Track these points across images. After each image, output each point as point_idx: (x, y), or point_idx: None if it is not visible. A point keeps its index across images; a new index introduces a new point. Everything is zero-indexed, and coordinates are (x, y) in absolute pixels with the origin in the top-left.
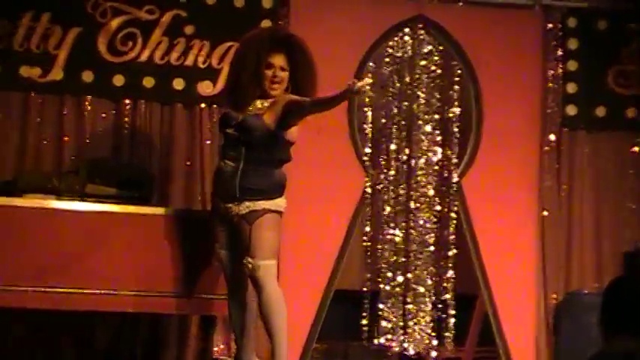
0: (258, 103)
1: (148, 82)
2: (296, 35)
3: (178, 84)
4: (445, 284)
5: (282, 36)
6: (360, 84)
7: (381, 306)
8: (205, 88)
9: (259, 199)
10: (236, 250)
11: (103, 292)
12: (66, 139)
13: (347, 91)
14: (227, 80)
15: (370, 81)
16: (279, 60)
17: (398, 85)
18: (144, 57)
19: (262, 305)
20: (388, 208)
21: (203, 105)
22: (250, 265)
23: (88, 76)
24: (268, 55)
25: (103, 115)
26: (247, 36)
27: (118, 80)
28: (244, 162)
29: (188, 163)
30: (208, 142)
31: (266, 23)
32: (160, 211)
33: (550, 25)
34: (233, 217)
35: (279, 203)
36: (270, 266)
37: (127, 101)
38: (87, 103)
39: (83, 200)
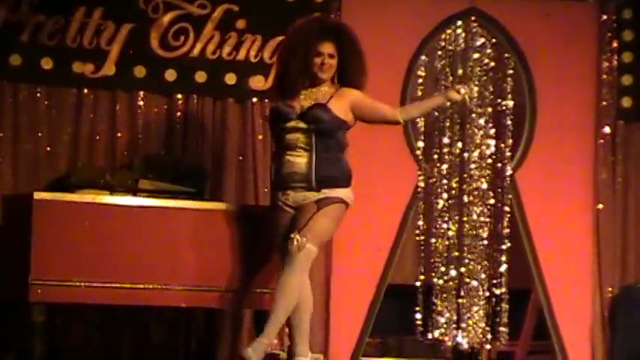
0: (324, 88)
1: (200, 76)
2: (344, 24)
3: (230, 79)
4: (499, 278)
5: (330, 24)
6: (465, 90)
7: (434, 300)
8: (257, 82)
9: (335, 186)
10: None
11: (156, 287)
12: (119, 134)
13: (447, 98)
14: (276, 69)
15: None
16: (327, 48)
17: (450, 78)
18: (196, 52)
19: (280, 283)
20: (441, 202)
21: (255, 99)
22: (296, 242)
23: (140, 72)
24: (317, 44)
25: (156, 110)
26: (296, 25)
27: (170, 75)
28: (317, 151)
29: (240, 158)
30: (260, 136)
31: None
32: (213, 205)
33: (605, 17)
34: (303, 205)
35: (349, 195)
36: (312, 252)
37: (179, 96)
38: (139, 98)
39: (136, 195)
